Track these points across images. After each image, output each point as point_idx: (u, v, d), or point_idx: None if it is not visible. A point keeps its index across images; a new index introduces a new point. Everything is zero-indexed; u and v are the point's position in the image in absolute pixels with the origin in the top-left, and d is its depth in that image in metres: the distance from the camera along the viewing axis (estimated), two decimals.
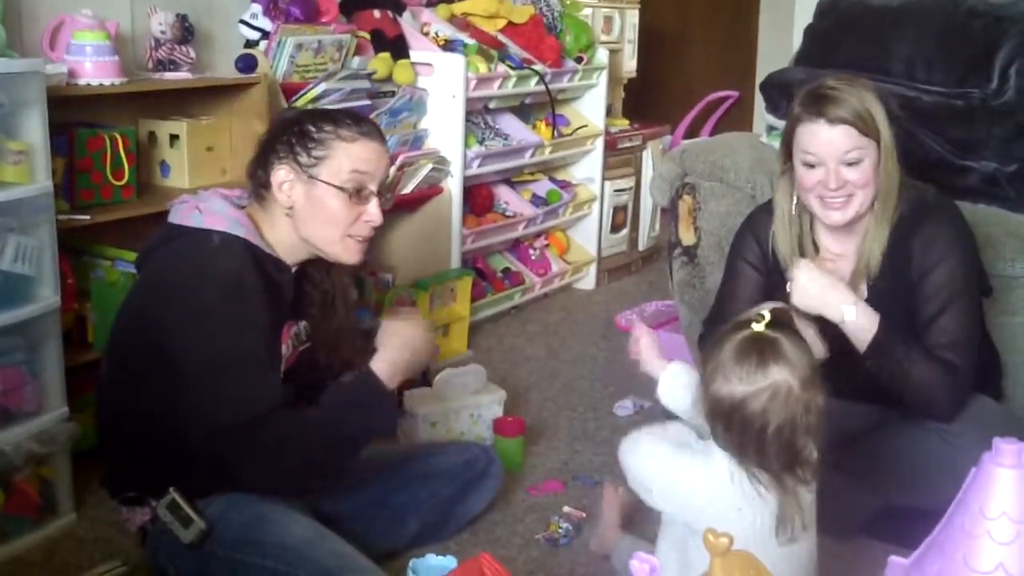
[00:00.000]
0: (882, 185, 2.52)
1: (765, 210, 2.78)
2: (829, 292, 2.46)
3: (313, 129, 2.24)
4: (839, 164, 2.46)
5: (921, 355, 2.50)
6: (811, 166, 2.50)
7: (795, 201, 2.61)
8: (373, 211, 2.28)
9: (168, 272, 2.20)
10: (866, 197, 2.51)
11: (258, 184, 2.28)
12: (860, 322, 2.46)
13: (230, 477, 2.17)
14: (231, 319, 2.13)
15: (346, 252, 2.29)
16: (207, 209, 2.23)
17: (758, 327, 1.86)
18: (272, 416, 2.11)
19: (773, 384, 1.82)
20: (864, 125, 2.44)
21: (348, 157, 2.23)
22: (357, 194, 2.25)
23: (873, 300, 2.58)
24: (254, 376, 2.15)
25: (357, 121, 2.28)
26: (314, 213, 2.24)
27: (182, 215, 2.24)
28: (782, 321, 1.90)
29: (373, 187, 2.27)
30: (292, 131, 2.25)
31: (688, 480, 1.91)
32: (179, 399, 2.13)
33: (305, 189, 2.23)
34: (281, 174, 2.23)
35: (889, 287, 2.57)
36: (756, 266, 2.74)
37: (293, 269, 2.31)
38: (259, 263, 2.21)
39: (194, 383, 2.11)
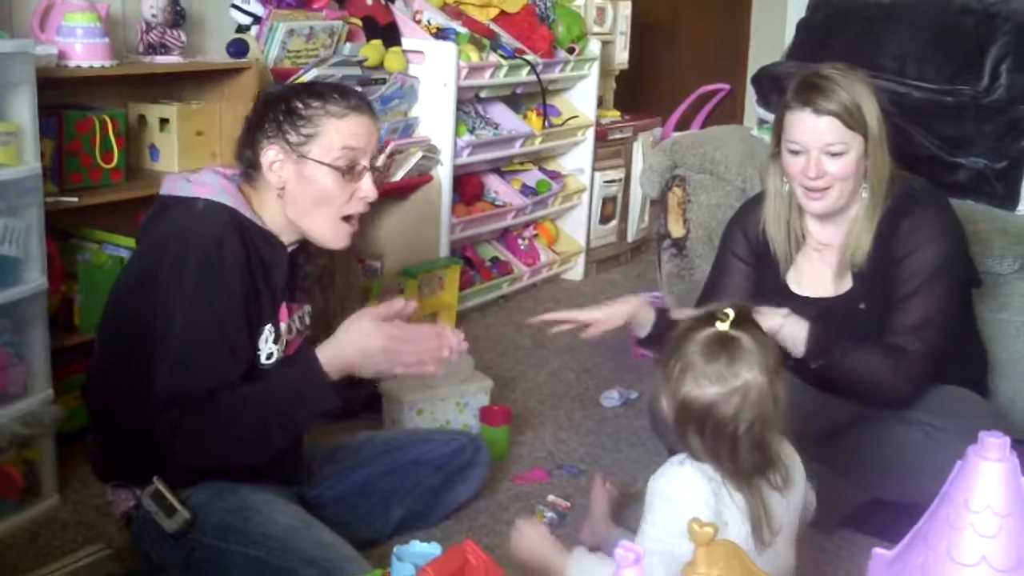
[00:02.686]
0: (870, 178, 2.54)
1: (753, 203, 2.80)
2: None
3: (300, 106, 2.19)
4: (821, 154, 2.49)
5: (861, 350, 2.52)
6: (795, 153, 2.53)
7: (784, 185, 2.63)
8: (367, 187, 2.24)
9: (155, 242, 2.18)
10: (845, 189, 2.54)
11: (247, 164, 2.25)
12: (791, 331, 2.49)
13: (168, 450, 2.10)
14: (205, 289, 2.09)
15: (336, 237, 2.25)
16: (196, 179, 2.22)
17: (723, 326, 1.82)
18: (219, 392, 2.07)
19: (744, 384, 1.78)
20: (851, 118, 2.47)
21: (338, 133, 2.19)
22: (350, 171, 2.21)
23: (858, 288, 2.60)
24: (218, 349, 2.10)
25: (345, 95, 2.23)
26: (306, 192, 2.21)
27: (171, 186, 2.23)
28: (745, 317, 1.85)
29: (365, 162, 2.23)
30: (279, 108, 2.20)
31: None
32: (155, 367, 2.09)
33: (296, 168, 2.20)
34: (271, 154, 2.20)
35: (874, 275, 2.59)
36: (744, 258, 2.76)
37: (289, 248, 2.27)
38: (246, 233, 2.17)
39: (162, 348, 2.09)
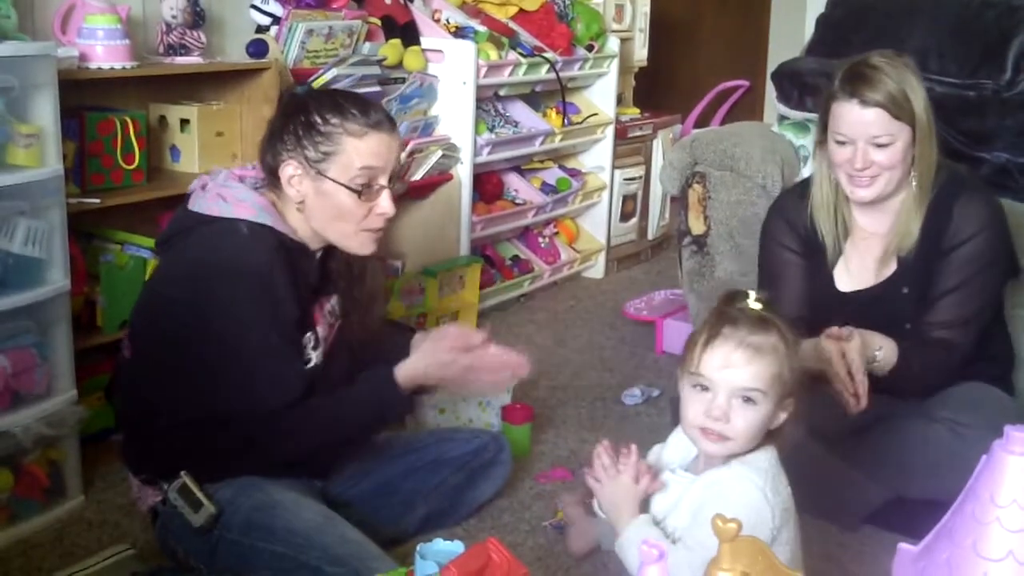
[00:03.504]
0: (919, 167, 2.54)
1: (794, 193, 2.80)
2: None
3: (319, 120, 2.19)
4: (868, 145, 2.49)
5: (925, 356, 2.54)
6: (842, 144, 2.53)
7: (831, 172, 2.63)
8: (385, 204, 2.25)
9: (199, 262, 2.18)
10: (892, 178, 2.54)
11: (268, 171, 2.26)
12: (888, 358, 2.52)
13: (249, 456, 2.22)
14: (264, 312, 2.14)
15: (360, 246, 2.29)
16: (232, 197, 2.21)
17: (757, 305, 1.88)
18: (295, 404, 2.17)
19: None
20: (898, 109, 2.46)
21: (357, 153, 2.19)
22: (368, 189, 2.22)
23: (902, 273, 2.62)
24: (283, 367, 2.18)
25: (364, 110, 2.22)
26: (324, 208, 2.23)
27: (206, 204, 2.22)
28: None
29: (384, 180, 2.25)
30: (299, 120, 2.20)
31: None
32: (213, 383, 2.17)
33: (314, 184, 2.21)
34: (289, 169, 2.21)
35: (921, 261, 2.59)
36: (793, 248, 2.75)
37: (318, 255, 2.30)
38: (286, 251, 2.20)
39: (228, 371, 2.15)
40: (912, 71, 2.52)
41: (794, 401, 1.89)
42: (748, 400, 1.84)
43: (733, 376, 1.84)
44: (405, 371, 2.28)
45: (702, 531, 1.78)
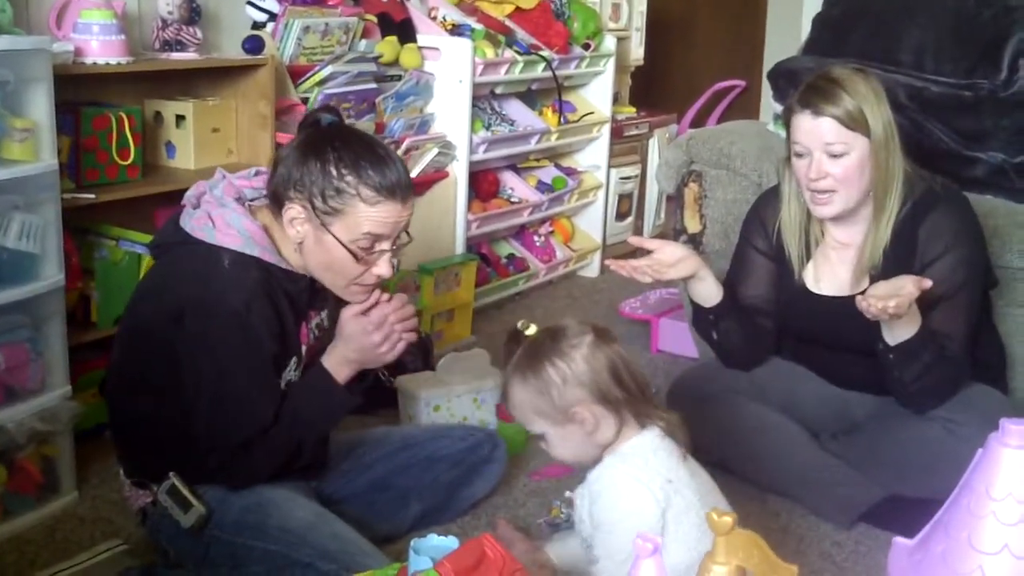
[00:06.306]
0: (877, 180, 2.53)
1: (771, 194, 2.81)
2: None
3: (335, 174, 2.09)
4: (823, 155, 2.49)
5: (944, 361, 2.51)
6: (800, 156, 2.54)
7: (799, 191, 2.63)
8: (383, 269, 2.18)
9: (178, 286, 2.15)
10: (850, 193, 2.54)
11: (273, 200, 2.19)
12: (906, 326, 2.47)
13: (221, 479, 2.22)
14: (238, 351, 2.11)
15: (349, 296, 2.22)
16: (221, 222, 2.14)
17: (530, 332, 2.10)
18: (256, 439, 2.15)
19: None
20: (851, 120, 2.47)
21: (366, 219, 2.11)
22: (368, 252, 2.15)
23: None
24: (252, 400, 2.15)
25: (382, 171, 2.11)
26: (320, 257, 2.16)
27: (194, 225, 2.16)
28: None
29: (386, 245, 2.17)
30: (315, 165, 2.10)
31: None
32: (184, 405, 2.15)
33: (315, 233, 2.14)
34: (293, 211, 2.13)
35: (891, 278, 2.57)
36: (763, 251, 2.76)
37: (307, 276, 2.25)
38: (272, 281, 2.16)
39: (196, 398, 2.13)
40: (872, 86, 2.51)
41: (589, 403, 1.98)
42: (540, 435, 2.04)
43: (515, 414, 2.06)
44: (330, 360, 2.23)
45: (599, 534, 1.95)
